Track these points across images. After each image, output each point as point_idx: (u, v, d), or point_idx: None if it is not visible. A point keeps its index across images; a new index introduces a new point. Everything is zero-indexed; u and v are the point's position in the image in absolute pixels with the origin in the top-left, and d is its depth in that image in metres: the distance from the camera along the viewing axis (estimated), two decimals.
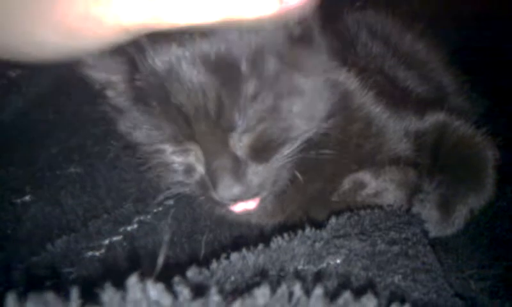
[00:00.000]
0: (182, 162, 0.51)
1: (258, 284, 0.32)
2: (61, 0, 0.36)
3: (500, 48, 1.13)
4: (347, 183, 0.60)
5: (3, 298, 0.27)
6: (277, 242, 0.44)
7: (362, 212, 0.52)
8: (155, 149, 0.51)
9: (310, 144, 0.53)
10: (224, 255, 0.41)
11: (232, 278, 0.38)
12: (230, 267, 0.40)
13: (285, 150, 0.50)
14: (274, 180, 0.52)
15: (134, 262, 0.52)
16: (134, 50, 0.45)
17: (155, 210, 0.61)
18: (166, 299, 0.28)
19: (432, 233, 0.62)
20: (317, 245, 0.44)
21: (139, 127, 0.50)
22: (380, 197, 0.60)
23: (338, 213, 0.52)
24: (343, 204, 0.59)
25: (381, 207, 0.56)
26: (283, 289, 0.31)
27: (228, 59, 0.44)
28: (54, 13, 0.36)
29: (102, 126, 0.73)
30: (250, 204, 0.53)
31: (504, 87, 1.00)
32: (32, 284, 0.47)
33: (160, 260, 0.33)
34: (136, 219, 0.59)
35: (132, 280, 0.28)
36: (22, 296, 0.27)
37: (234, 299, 0.29)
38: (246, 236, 0.62)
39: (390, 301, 0.34)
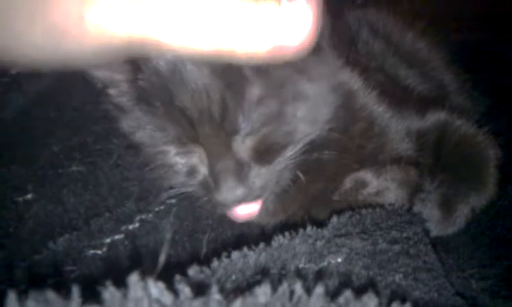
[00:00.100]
0: (185, 163, 0.51)
1: (259, 282, 0.32)
2: (54, 1, 0.35)
3: (501, 47, 1.12)
4: (348, 183, 0.60)
5: (5, 296, 0.27)
6: (278, 240, 0.44)
7: (363, 211, 0.52)
8: (158, 150, 0.51)
9: (312, 146, 0.53)
10: (225, 254, 0.41)
11: (233, 277, 0.38)
12: (231, 265, 0.39)
13: (288, 152, 0.51)
14: (276, 181, 0.52)
15: (135, 261, 0.53)
16: None
17: (156, 209, 0.61)
18: (167, 298, 0.28)
19: (434, 232, 0.62)
20: (319, 243, 0.44)
21: (142, 127, 0.50)
22: (381, 196, 0.60)
23: (339, 212, 0.52)
24: (344, 204, 0.59)
25: (382, 206, 0.56)
26: (284, 287, 0.31)
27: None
28: (48, 15, 0.35)
29: (104, 124, 0.72)
30: (253, 208, 0.53)
31: (506, 85, 0.99)
32: (34, 282, 0.47)
33: (162, 259, 0.33)
34: (138, 217, 0.59)
35: (134, 278, 0.28)
36: (23, 294, 0.27)
37: (235, 298, 0.29)
38: (248, 234, 0.62)
39: (390, 300, 0.33)
